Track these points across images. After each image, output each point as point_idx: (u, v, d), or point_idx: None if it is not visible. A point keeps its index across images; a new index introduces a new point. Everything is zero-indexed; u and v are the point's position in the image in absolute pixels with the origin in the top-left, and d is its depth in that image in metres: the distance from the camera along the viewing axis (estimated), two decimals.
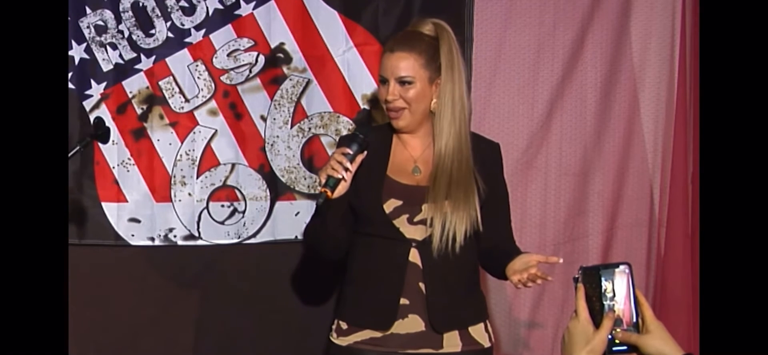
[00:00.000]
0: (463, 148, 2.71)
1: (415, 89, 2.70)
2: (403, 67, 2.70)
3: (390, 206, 2.71)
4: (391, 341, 2.71)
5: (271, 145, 3.27)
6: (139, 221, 3.21)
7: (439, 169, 2.70)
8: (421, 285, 2.71)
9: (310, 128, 3.28)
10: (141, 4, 3.19)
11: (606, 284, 1.75)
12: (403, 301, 2.71)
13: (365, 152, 2.70)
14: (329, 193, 2.63)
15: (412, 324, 2.71)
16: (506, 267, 2.65)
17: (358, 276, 2.77)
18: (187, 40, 3.22)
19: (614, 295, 1.75)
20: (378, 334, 2.71)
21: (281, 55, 3.26)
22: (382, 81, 2.74)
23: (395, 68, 2.70)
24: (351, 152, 2.67)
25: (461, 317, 2.75)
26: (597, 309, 1.75)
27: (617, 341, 1.74)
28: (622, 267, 1.75)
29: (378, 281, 2.72)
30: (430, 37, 2.74)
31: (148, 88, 3.21)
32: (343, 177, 2.65)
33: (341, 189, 2.66)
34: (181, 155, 3.23)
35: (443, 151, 2.70)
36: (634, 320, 1.74)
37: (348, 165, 2.66)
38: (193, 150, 3.24)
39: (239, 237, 3.27)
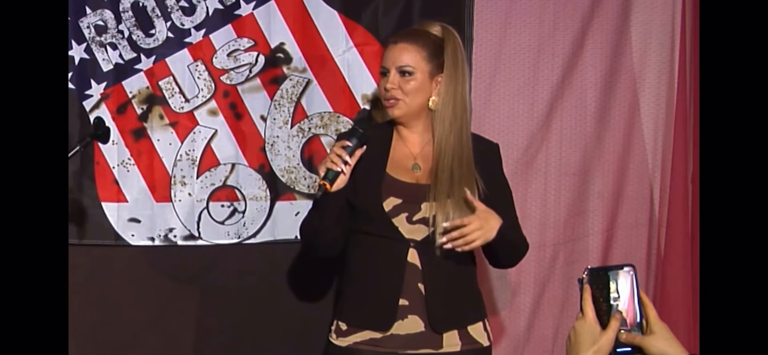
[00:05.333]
0: (464, 147, 2.71)
1: (415, 81, 2.71)
2: (406, 58, 2.71)
3: (389, 204, 2.71)
4: (390, 341, 2.71)
5: (271, 145, 3.26)
6: (139, 221, 3.21)
7: (439, 167, 2.69)
8: (420, 286, 2.71)
9: (310, 128, 3.28)
10: (141, 4, 3.19)
11: (611, 285, 1.76)
12: (403, 302, 2.71)
13: (365, 146, 2.70)
14: (328, 186, 2.63)
15: (411, 325, 2.71)
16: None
17: (358, 276, 2.77)
18: (187, 40, 3.22)
19: (619, 296, 1.75)
20: (377, 335, 2.71)
21: (281, 55, 3.26)
22: (383, 72, 2.75)
23: (397, 58, 2.71)
24: (350, 145, 2.67)
25: (460, 316, 2.76)
26: (603, 310, 1.76)
27: (621, 342, 1.75)
28: (626, 269, 1.76)
29: (377, 282, 2.72)
30: (436, 36, 2.75)
31: (148, 88, 3.21)
32: (343, 170, 2.66)
33: (340, 183, 2.66)
34: (181, 155, 3.23)
35: (444, 148, 2.70)
36: (638, 320, 1.75)
37: (347, 158, 2.66)
38: (193, 150, 3.24)
39: (239, 237, 3.27)
